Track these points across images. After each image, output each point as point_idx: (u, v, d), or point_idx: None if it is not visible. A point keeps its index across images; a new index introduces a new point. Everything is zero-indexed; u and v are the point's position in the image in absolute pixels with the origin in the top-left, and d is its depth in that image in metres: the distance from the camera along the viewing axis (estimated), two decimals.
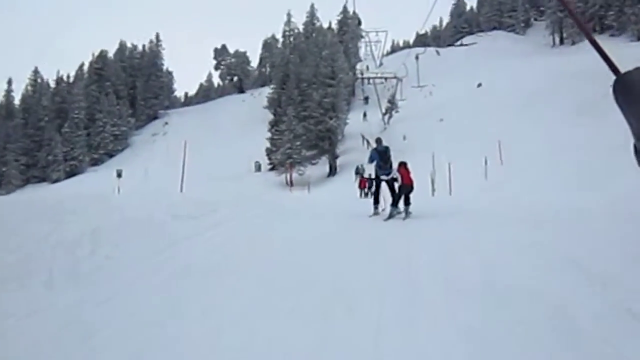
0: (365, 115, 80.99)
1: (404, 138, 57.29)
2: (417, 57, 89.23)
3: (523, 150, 38.08)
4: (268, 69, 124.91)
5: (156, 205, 12.18)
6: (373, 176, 15.40)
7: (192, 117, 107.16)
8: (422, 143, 50.79)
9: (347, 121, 70.21)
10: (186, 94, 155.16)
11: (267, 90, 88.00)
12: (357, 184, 41.20)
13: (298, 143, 62.21)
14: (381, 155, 14.38)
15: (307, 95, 65.94)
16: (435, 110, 65.21)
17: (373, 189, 15.11)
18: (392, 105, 72.38)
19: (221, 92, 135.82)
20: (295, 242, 8.94)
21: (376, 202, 14.87)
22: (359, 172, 48.09)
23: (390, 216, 13.60)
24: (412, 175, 14.25)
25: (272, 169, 66.37)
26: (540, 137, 40.17)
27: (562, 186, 23.70)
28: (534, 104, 50.52)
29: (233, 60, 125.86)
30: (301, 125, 62.86)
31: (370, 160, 14.58)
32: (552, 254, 6.69)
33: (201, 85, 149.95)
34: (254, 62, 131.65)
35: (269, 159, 67.01)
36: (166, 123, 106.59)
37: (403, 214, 13.72)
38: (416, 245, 8.34)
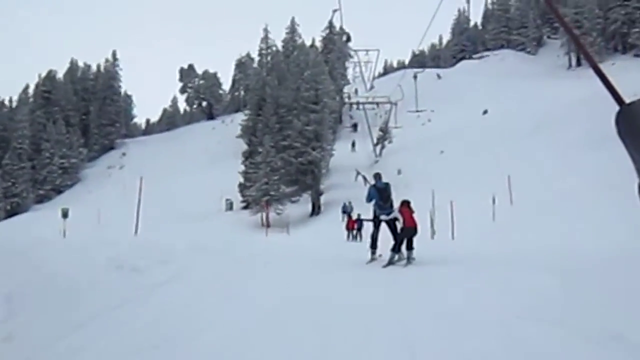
0: (354, 145, 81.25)
1: (399, 172, 57.12)
2: (415, 77, 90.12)
3: (536, 187, 37.87)
4: (242, 93, 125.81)
5: (96, 254, 11.48)
6: (371, 217, 15.41)
7: (154, 147, 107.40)
8: (420, 178, 50.72)
9: (333, 152, 70.04)
10: (147, 120, 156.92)
11: (241, 117, 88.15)
12: (344, 225, 41.24)
13: (276, 177, 61.68)
14: (381, 192, 14.66)
15: (286, 123, 65.94)
16: (435, 141, 65.42)
17: (372, 230, 15.24)
18: (385, 135, 72.46)
19: (188, 118, 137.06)
20: (265, 311, 8.06)
21: (374, 246, 14.91)
22: (346, 210, 48.81)
23: (390, 262, 13.65)
24: (415, 216, 14.40)
25: (245, 208, 65.82)
26: (557, 172, 39.95)
27: (582, 229, 23.38)
28: (549, 133, 50.20)
29: (202, 82, 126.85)
30: (279, 157, 62.54)
31: (369, 199, 14.86)
32: (587, 326, 6.04)
33: (165, 110, 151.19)
34: (226, 85, 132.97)
35: (242, 195, 66.53)
36: (124, 154, 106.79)
37: (404, 261, 13.76)
38: (420, 318, 7.49)
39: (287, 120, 65.83)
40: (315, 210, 61.41)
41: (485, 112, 71.99)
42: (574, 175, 37.06)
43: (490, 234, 28.14)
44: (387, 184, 15.02)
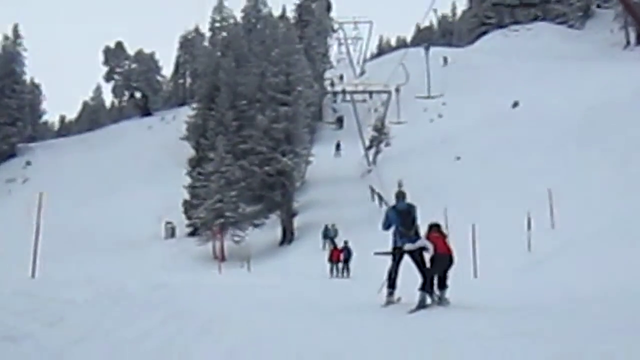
0: (338, 147, 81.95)
1: (400, 185, 54.46)
2: (427, 48, 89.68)
3: (587, 207, 37.18)
4: (188, 80, 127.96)
5: None
6: (389, 248, 15.41)
7: (70, 153, 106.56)
8: (429, 193, 49.14)
9: (311, 159, 70.41)
10: (62, 118, 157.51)
11: (187, 112, 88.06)
12: (326, 256, 41.40)
13: (233, 193, 61.03)
14: (403, 216, 14.83)
15: (247, 119, 66.11)
16: (448, 143, 65.70)
17: (390, 264, 15.29)
18: (381, 135, 72.68)
19: (116, 115, 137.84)
20: None
21: (392, 285, 15.09)
22: (328, 235, 49.86)
23: (421, 306, 13.82)
24: (450, 243, 14.74)
25: (192, 234, 65.94)
26: (615, 187, 39.13)
27: None
28: (602, 135, 49.58)
29: (133, 66, 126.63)
30: (238, 165, 62.22)
31: (386, 226, 15.06)
32: None
33: (85, 105, 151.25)
34: (167, 70, 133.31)
35: (188, 217, 66.50)
36: (28, 163, 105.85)
37: (432, 300, 14.08)
38: None
39: (249, 116, 65.96)
40: (287, 237, 61.30)
41: (515, 104, 71.65)
42: (632, 191, 36.59)
43: (526, 270, 27.99)
44: (411, 206, 15.16)
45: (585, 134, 51.36)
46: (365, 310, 14.26)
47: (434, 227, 14.84)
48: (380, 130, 73.25)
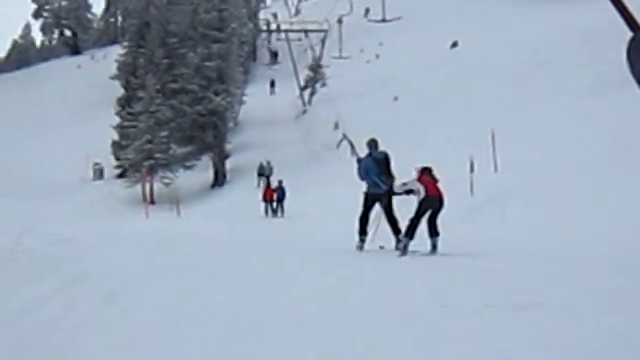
0: (273, 85, 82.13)
1: (336, 126, 56.70)
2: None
3: (530, 149, 36.99)
4: (119, 18, 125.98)
5: None
6: (366, 195, 15.95)
7: None
8: (365, 135, 47.89)
9: (244, 99, 69.92)
10: None
11: (117, 51, 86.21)
12: (261, 194, 42.70)
13: (163, 134, 59.80)
14: (380, 165, 15.52)
15: (178, 58, 64.04)
16: (385, 84, 64.67)
17: (360, 210, 16.15)
18: (316, 75, 72.14)
19: (45, 53, 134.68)
20: None
21: (363, 231, 15.78)
22: (263, 173, 50.56)
23: (405, 251, 14.17)
24: (440, 186, 14.93)
25: (121, 176, 64.30)
26: (558, 129, 39.15)
27: (598, 205, 23.14)
28: (543, 77, 49.59)
29: (63, 3, 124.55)
30: (168, 104, 60.52)
31: (363, 176, 15.63)
32: None
33: (15, 43, 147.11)
34: (97, 7, 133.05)
35: (117, 158, 65.12)
36: None
37: (422, 249, 14.41)
38: None
39: (180, 54, 63.90)
40: (219, 179, 60.35)
41: (454, 44, 71.18)
42: (581, 134, 36.60)
43: (470, 215, 27.05)
44: (386, 154, 15.86)
45: (526, 76, 51.00)
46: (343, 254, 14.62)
47: (426, 171, 14.93)
48: (316, 70, 72.46)
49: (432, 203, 14.36)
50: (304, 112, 70.20)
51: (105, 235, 19.74)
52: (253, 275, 11.67)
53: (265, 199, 41.27)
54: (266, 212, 40.93)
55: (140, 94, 62.38)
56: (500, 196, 29.47)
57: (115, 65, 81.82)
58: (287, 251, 15.97)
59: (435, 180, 14.81)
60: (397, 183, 15.58)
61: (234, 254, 15.52)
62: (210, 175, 61.16)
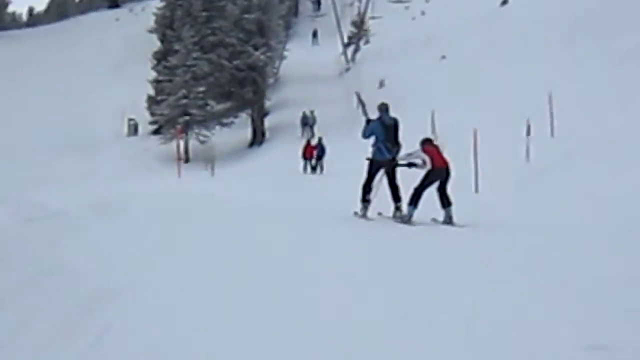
0: (315, 35, 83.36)
1: (381, 85, 56.26)
2: None
3: (586, 113, 34.99)
4: None
5: None
6: (370, 160, 15.87)
7: (32, 45, 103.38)
8: (414, 95, 48.87)
9: (285, 53, 69.23)
10: (31, 10, 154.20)
11: (156, 4, 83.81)
12: (301, 149, 42.64)
13: (200, 89, 57.95)
14: (388, 130, 15.27)
15: (217, 10, 62.06)
16: (431, 42, 63.62)
17: (365, 177, 16.13)
18: (360, 32, 72.01)
19: (84, 7, 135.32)
20: None
21: (366, 198, 15.65)
22: (307, 122, 53.59)
23: (410, 219, 14.72)
24: (445, 154, 15.10)
25: (156, 132, 63.05)
26: (614, 92, 36.93)
27: None
28: (600, 37, 47.03)
29: None
30: (206, 59, 58.83)
31: (367, 135, 15.55)
32: None
33: None
34: None
35: (152, 114, 63.30)
36: None
37: (440, 220, 14.83)
38: None
39: (219, 6, 62.09)
40: (257, 138, 59.27)
41: (504, 1, 69.51)
42: None
43: (525, 184, 25.65)
44: (396, 120, 15.58)
45: (581, 36, 49.19)
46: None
47: (427, 141, 15.30)
48: (359, 27, 72.22)
49: (438, 174, 14.60)
50: (347, 69, 68.82)
51: (106, 209, 16.98)
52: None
53: (304, 156, 41.55)
54: (305, 169, 41.28)
55: (177, 47, 60.89)
56: (557, 163, 28.14)
57: (153, 18, 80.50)
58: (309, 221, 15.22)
59: (439, 151, 14.99)
60: (402, 153, 15.61)
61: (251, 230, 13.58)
62: (248, 133, 60.16)
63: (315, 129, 52.20)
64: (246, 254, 10.34)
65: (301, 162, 41.53)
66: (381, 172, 15.48)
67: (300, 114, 54.71)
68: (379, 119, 15.37)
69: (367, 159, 15.79)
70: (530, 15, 58.68)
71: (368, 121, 15.96)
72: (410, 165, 15.17)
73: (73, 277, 8.21)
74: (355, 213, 15.75)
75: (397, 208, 15.26)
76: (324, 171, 40.25)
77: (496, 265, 9.94)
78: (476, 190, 25.31)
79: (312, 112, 53.73)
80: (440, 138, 30.30)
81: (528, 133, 31.08)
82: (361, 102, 17.80)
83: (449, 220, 14.45)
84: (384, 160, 15.36)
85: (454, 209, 14.58)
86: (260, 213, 17.32)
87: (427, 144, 15.12)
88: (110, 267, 8.91)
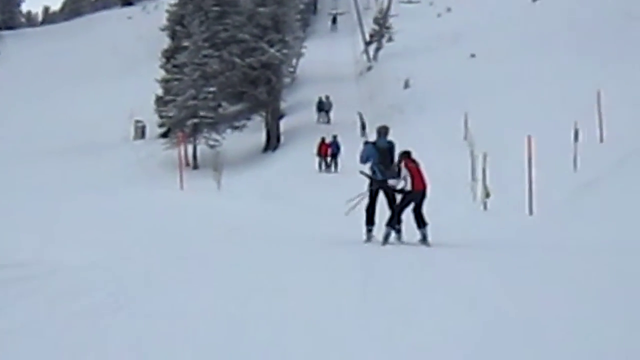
0: (335, 21, 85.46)
1: (406, 85, 55.29)
2: None
3: (635, 117, 34.04)
4: None
5: None
6: (370, 178, 16.16)
7: (42, 44, 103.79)
8: (441, 96, 49.38)
9: (303, 51, 67.83)
10: (46, 9, 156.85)
11: (169, 1, 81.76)
12: (316, 148, 43.48)
13: (211, 89, 55.52)
14: (382, 154, 15.82)
15: (230, 5, 59.59)
16: (459, 40, 64.44)
17: (367, 201, 16.58)
18: (382, 29, 71.68)
19: (99, 5, 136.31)
20: None
21: (370, 221, 16.07)
22: (323, 107, 55.45)
23: (386, 241, 15.21)
24: (424, 172, 15.52)
25: (164, 135, 60.18)
26: None
27: None
28: (634, 28, 48.39)
29: None
30: (216, 56, 56.36)
31: (364, 160, 16.09)
32: None
33: None
34: None
35: (160, 116, 60.96)
36: None
37: (398, 237, 15.64)
38: None
39: (231, 1, 59.80)
40: (272, 142, 56.67)
41: None
42: None
43: (573, 198, 24.07)
44: (391, 143, 16.11)
45: (631, 28, 49.33)
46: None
47: (405, 155, 15.46)
48: (381, 24, 71.15)
49: (415, 197, 15.01)
50: (369, 68, 67.81)
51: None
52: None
53: (319, 154, 43.00)
54: (320, 167, 42.84)
55: (186, 43, 58.37)
56: (608, 173, 25.95)
57: (165, 16, 77.55)
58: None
59: (419, 168, 15.26)
60: (392, 181, 15.50)
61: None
62: (261, 137, 57.84)
63: (332, 114, 54.63)
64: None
65: (316, 160, 42.99)
66: (381, 194, 15.82)
67: (316, 99, 56.41)
68: (374, 143, 15.93)
69: (364, 174, 16.05)
70: (563, 10, 59.19)
71: (366, 143, 16.47)
72: (395, 190, 15.33)
73: None
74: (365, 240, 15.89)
75: (399, 231, 15.57)
76: (339, 168, 41.74)
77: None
78: (530, 212, 23.69)
79: (327, 97, 55.22)
80: (477, 145, 29.59)
81: (576, 138, 29.70)
82: (362, 123, 17.14)
83: (423, 239, 14.80)
84: (381, 181, 15.69)
85: (429, 228, 14.91)
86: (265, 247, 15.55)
87: (408, 160, 15.33)
88: None
